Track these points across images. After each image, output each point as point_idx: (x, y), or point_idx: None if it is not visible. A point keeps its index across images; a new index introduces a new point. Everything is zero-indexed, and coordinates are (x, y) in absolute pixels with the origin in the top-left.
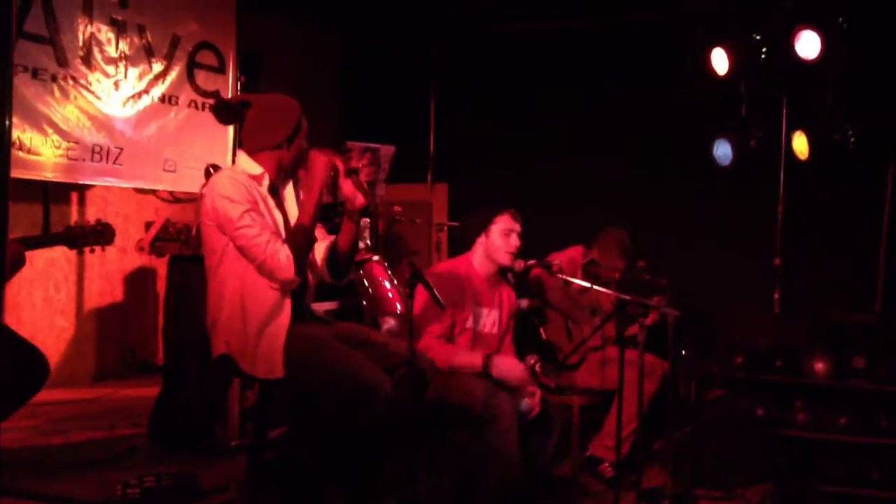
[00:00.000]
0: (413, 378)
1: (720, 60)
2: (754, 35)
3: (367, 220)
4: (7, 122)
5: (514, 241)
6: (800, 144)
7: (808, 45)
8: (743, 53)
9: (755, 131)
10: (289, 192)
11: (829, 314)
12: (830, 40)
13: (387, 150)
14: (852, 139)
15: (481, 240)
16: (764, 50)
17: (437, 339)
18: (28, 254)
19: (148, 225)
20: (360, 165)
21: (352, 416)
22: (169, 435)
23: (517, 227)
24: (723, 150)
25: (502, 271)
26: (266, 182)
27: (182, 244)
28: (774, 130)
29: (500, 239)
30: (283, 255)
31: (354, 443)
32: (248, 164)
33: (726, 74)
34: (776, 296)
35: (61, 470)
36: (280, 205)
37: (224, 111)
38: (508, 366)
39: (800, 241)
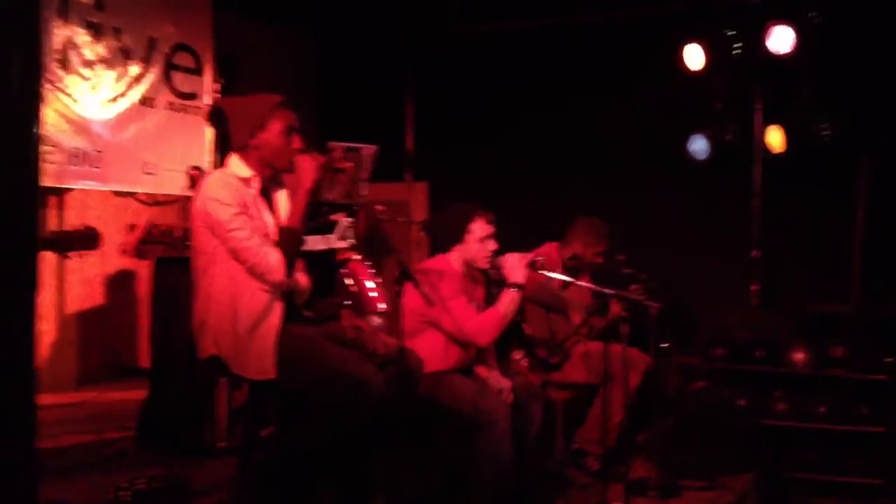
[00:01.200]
0: (402, 377)
1: (694, 56)
2: (727, 30)
3: (351, 219)
4: (36, 129)
5: (491, 245)
6: (775, 138)
7: (781, 39)
8: (716, 48)
9: (730, 126)
10: (281, 195)
11: (807, 305)
12: (804, 34)
13: (368, 150)
14: (827, 132)
15: (458, 247)
16: (737, 45)
17: (467, 308)
18: None
19: (130, 227)
20: (350, 165)
21: (344, 412)
22: (157, 437)
23: (491, 229)
24: (699, 145)
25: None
26: (255, 185)
27: (167, 246)
28: (749, 125)
29: (477, 246)
30: (274, 258)
31: (346, 439)
32: (237, 167)
33: (700, 70)
34: (754, 288)
35: (51, 474)
36: (271, 207)
37: (213, 117)
38: (513, 262)
39: (777, 234)
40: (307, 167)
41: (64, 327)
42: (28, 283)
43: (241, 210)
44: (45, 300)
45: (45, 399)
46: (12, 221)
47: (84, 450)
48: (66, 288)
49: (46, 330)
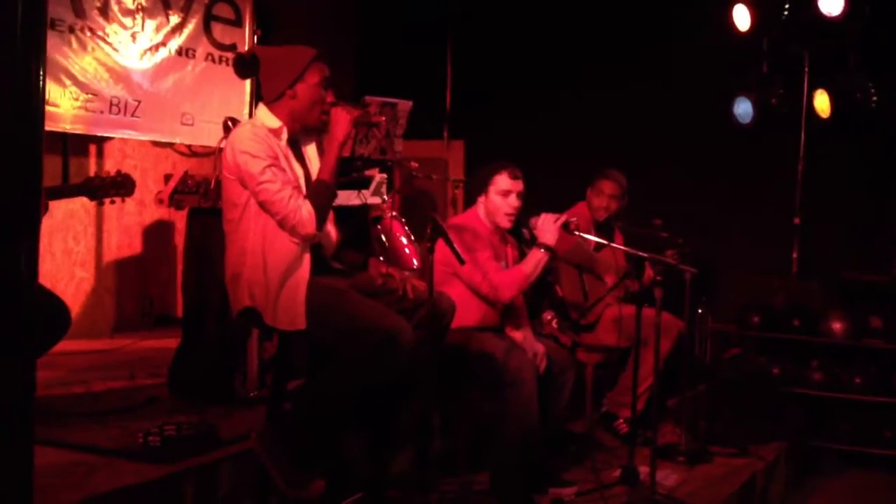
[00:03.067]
0: (432, 318)
1: (742, 16)
2: None
3: (385, 175)
4: (42, 72)
5: (513, 201)
6: (821, 102)
7: (831, 1)
8: (765, 9)
9: (776, 89)
10: (311, 149)
11: (847, 274)
12: None
13: (404, 105)
14: (874, 98)
15: (482, 199)
16: (787, 6)
17: (489, 262)
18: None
19: (167, 178)
20: (383, 120)
21: (373, 364)
22: (188, 385)
23: (516, 186)
24: (743, 108)
25: (514, 232)
26: (284, 136)
27: (201, 197)
28: (796, 88)
29: (498, 199)
30: (305, 211)
31: (374, 391)
32: (266, 118)
33: (748, 31)
34: (794, 255)
35: (82, 419)
36: (301, 159)
37: (240, 65)
38: (545, 223)
39: (819, 201)
40: (340, 120)
41: (102, 275)
42: (30, 227)
43: (271, 162)
44: (84, 247)
45: (80, 345)
46: (14, 161)
47: (116, 396)
48: (105, 236)
49: (85, 277)
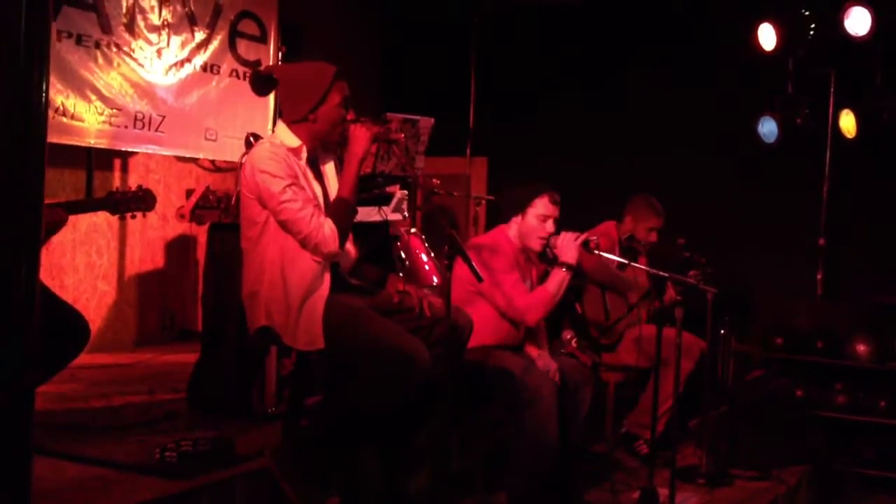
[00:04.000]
0: (451, 334)
1: (768, 36)
2: (803, 10)
3: (406, 192)
4: (45, 83)
5: (549, 227)
6: (847, 123)
7: (858, 21)
8: (791, 29)
9: (802, 109)
10: (329, 167)
11: (872, 296)
12: (881, 17)
13: (426, 122)
14: None
15: (517, 219)
16: (812, 26)
17: (517, 285)
18: (72, 219)
19: (188, 193)
20: (401, 137)
21: (390, 386)
22: (207, 401)
23: (554, 212)
24: (768, 128)
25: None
26: (304, 155)
27: (222, 212)
28: (821, 108)
29: (535, 222)
30: (328, 229)
31: (391, 410)
32: (286, 136)
33: (774, 50)
34: (819, 276)
35: (101, 433)
36: (319, 178)
37: (256, 82)
38: (565, 241)
39: (845, 222)
40: (359, 136)
41: (124, 289)
42: (30, 242)
43: (291, 181)
44: (107, 261)
45: (101, 359)
46: (14, 173)
47: (135, 410)
48: (128, 250)
49: (107, 291)
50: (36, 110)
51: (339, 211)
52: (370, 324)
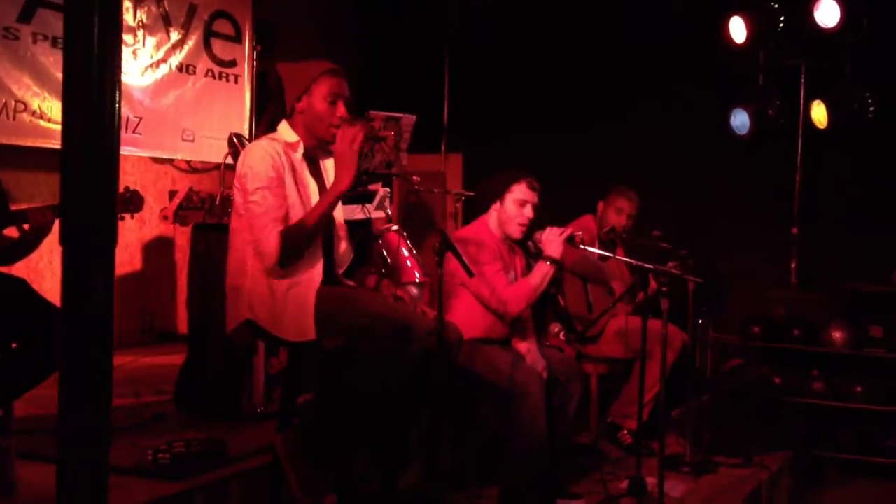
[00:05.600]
0: (440, 349)
1: (738, 28)
2: (773, 3)
3: (387, 189)
4: (117, 105)
5: (528, 212)
6: (818, 113)
7: (827, 13)
8: (761, 21)
9: (773, 100)
10: (329, 162)
11: (846, 284)
12: (850, 9)
13: (408, 120)
14: (871, 108)
15: (496, 206)
16: (782, 18)
17: (499, 275)
18: None
19: (171, 194)
20: (391, 134)
21: (389, 357)
22: (195, 402)
23: (533, 198)
24: (740, 120)
25: (521, 243)
26: (300, 150)
27: (206, 213)
28: (793, 99)
29: (513, 208)
30: (271, 245)
31: (386, 400)
32: (285, 131)
33: (744, 43)
34: (793, 265)
35: None
36: (317, 173)
37: (270, 80)
38: (550, 236)
39: (817, 211)
40: (346, 169)
41: None
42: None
43: (268, 184)
44: None
45: None
46: (94, 184)
47: (122, 413)
48: None
49: None
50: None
51: (294, 231)
52: (366, 300)
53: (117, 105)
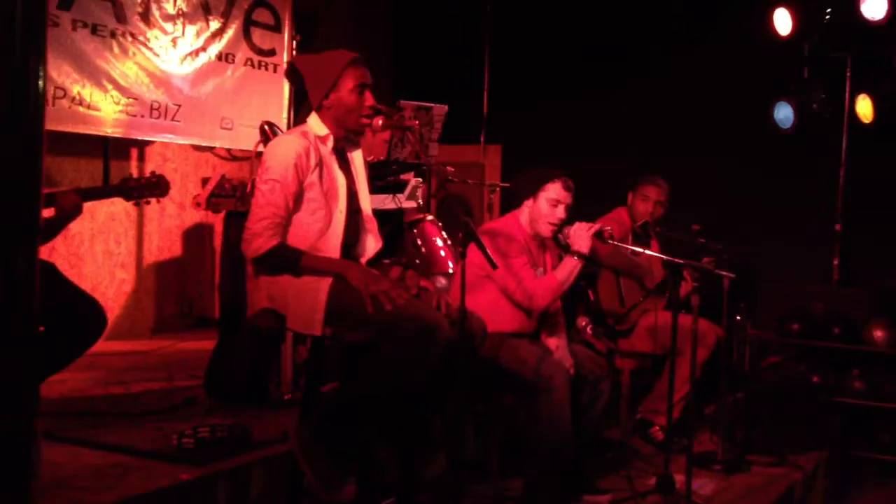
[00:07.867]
0: (464, 340)
1: (783, 20)
2: None
3: (421, 179)
4: (43, 73)
5: (560, 213)
6: (864, 108)
7: (874, 5)
8: (807, 13)
9: (817, 94)
10: (357, 155)
11: (889, 282)
12: None
13: (440, 110)
14: None
15: (528, 202)
16: (828, 10)
17: (525, 269)
18: (89, 208)
19: (205, 181)
20: (416, 124)
21: (412, 357)
22: (224, 387)
23: (567, 198)
24: (784, 113)
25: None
26: (330, 143)
27: (237, 201)
28: (837, 93)
29: (546, 207)
30: (257, 243)
31: (410, 392)
32: (315, 124)
33: (789, 35)
34: (835, 262)
35: (119, 419)
36: (345, 167)
37: (289, 75)
38: (578, 231)
39: (861, 208)
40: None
41: (142, 277)
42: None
43: (281, 181)
44: (125, 249)
45: (119, 346)
46: (11, 161)
47: (153, 396)
48: (145, 239)
49: (125, 279)
50: (33, 98)
51: (286, 255)
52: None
53: (41, 81)
